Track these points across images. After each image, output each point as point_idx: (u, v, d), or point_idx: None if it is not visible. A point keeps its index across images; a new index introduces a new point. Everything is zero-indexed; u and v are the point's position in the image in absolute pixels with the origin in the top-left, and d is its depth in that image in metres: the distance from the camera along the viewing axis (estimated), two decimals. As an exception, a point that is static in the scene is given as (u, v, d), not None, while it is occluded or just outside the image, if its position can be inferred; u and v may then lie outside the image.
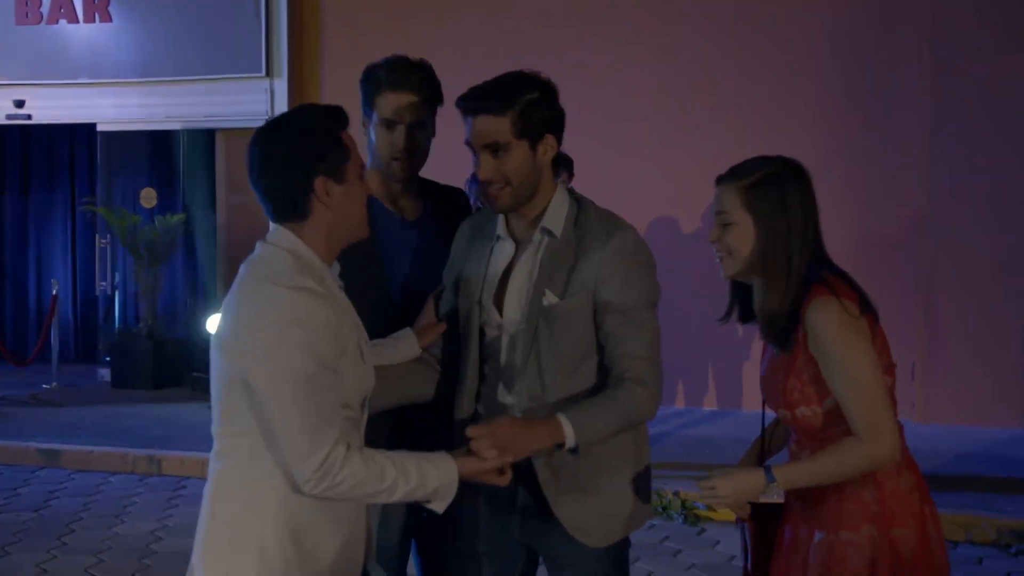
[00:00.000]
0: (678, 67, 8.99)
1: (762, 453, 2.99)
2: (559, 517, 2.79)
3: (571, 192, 2.88)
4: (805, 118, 8.63)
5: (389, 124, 3.17)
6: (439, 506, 2.52)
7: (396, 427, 3.10)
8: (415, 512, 3.28)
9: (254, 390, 2.37)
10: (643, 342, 2.73)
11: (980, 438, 7.92)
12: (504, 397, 2.84)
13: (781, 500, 2.74)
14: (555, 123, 2.80)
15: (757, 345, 2.88)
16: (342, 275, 2.58)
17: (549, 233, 2.80)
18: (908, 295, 8.36)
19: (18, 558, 5.89)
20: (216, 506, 2.48)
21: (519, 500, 2.86)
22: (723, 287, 2.90)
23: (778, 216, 2.68)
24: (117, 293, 11.08)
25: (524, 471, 2.77)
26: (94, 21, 10.44)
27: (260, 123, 2.55)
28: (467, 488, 2.63)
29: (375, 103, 3.18)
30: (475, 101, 2.75)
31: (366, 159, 3.28)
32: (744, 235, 2.71)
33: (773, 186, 2.69)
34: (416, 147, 3.20)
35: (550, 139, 2.79)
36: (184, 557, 5.75)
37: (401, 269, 3.23)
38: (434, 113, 3.25)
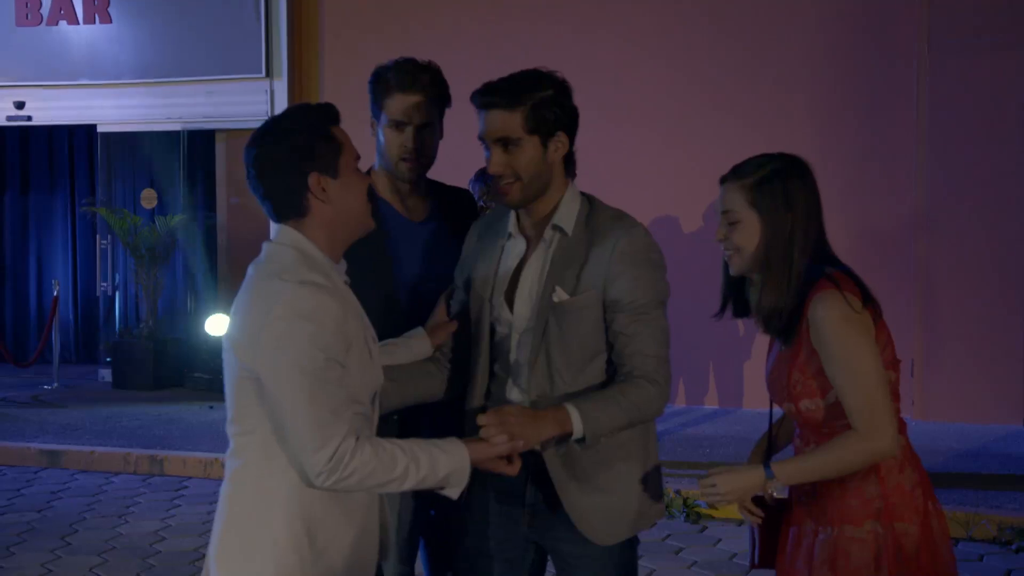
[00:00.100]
0: (675, 66, 9.01)
1: (769, 449, 3.01)
2: (567, 511, 2.80)
3: (581, 192, 2.91)
4: (802, 117, 8.66)
5: (398, 125, 3.20)
6: (453, 492, 2.53)
7: (405, 426, 3.13)
8: (423, 509, 3.30)
9: (264, 385, 2.40)
10: (653, 340, 2.76)
11: (979, 435, 7.94)
12: (513, 394, 2.86)
13: (784, 495, 2.76)
14: (567, 121, 2.83)
15: (758, 344, 2.92)
16: (350, 275, 2.60)
17: (560, 230, 2.83)
18: (906, 293, 8.39)
19: (22, 558, 5.91)
20: (231, 504, 2.50)
21: (528, 497, 2.88)
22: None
23: (783, 212, 2.72)
24: (118, 294, 11.10)
25: (534, 467, 2.80)
26: (94, 22, 10.45)
27: (260, 124, 2.58)
28: (476, 485, 2.65)
29: (384, 104, 3.21)
30: (488, 96, 2.78)
31: (374, 161, 3.33)
32: (751, 232, 2.74)
33: (778, 183, 2.73)
34: (424, 148, 3.23)
35: (562, 136, 2.81)
36: (187, 557, 5.83)
37: (409, 269, 3.25)
38: (442, 114, 3.28)
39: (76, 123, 11.03)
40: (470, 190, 3.82)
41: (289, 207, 2.50)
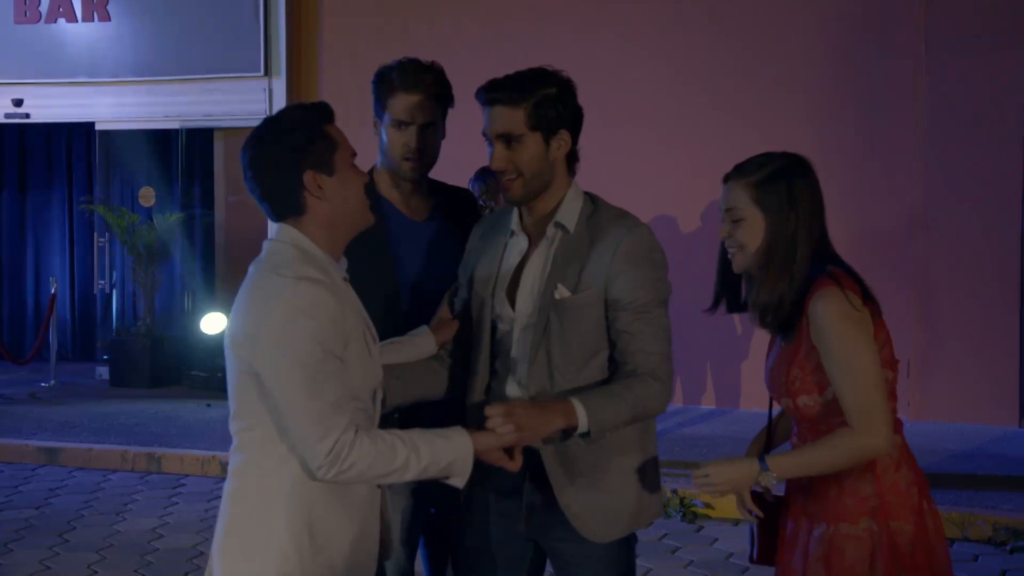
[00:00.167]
0: (675, 66, 9.02)
1: (768, 444, 3.02)
2: (563, 508, 2.81)
3: (585, 191, 2.92)
4: (801, 116, 8.66)
5: (401, 124, 3.22)
6: (458, 481, 2.54)
7: (406, 425, 3.12)
8: (423, 508, 3.31)
9: (263, 379, 2.41)
10: (655, 338, 2.77)
11: (974, 435, 7.96)
12: (513, 390, 2.87)
13: (775, 486, 2.76)
14: (571, 119, 2.85)
15: (755, 344, 2.93)
16: (352, 273, 2.61)
17: (563, 228, 2.84)
18: (903, 293, 8.39)
19: (21, 555, 5.91)
20: (233, 501, 2.51)
21: (526, 496, 2.89)
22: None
23: (787, 210, 2.74)
24: (115, 292, 11.10)
25: (532, 465, 2.80)
26: (93, 20, 10.45)
27: (258, 122, 2.59)
28: (476, 483, 2.65)
29: (387, 104, 3.23)
30: (493, 92, 2.81)
31: (375, 159, 3.33)
32: (755, 230, 2.76)
33: (782, 181, 2.75)
34: (427, 147, 3.25)
35: (564, 134, 2.83)
36: (185, 554, 5.84)
37: (410, 268, 3.26)
38: (445, 114, 3.30)
39: (74, 121, 11.03)
40: (470, 189, 3.83)
41: (287, 206, 2.52)
